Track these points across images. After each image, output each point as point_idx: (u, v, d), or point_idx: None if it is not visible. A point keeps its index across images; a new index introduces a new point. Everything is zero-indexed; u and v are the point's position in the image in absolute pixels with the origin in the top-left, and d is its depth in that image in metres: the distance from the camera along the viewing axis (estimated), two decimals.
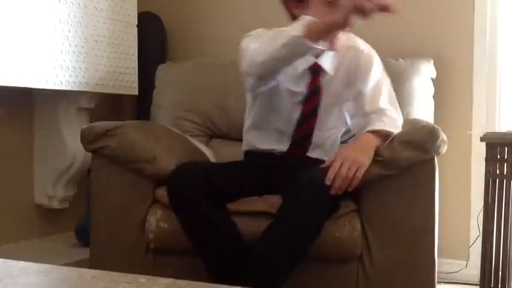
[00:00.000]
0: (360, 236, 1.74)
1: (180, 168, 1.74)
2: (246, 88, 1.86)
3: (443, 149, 1.74)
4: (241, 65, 1.77)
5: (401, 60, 2.33)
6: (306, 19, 1.60)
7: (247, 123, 1.99)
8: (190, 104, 2.43)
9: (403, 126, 1.81)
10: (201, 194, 1.65)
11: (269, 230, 1.61)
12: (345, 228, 1.73)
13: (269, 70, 1.72)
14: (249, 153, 1.99)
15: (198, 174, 1.69)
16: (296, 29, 1.59)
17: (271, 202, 1.75)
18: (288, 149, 1.88)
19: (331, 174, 1.59)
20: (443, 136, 1.72)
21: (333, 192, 1.60)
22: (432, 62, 2.35)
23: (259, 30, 1.83)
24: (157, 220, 1.84)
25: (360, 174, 1.62)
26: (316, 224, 1.61)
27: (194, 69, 2.53)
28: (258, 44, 1.72)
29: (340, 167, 1.60)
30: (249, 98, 1.97)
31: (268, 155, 1.91)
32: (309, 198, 1.59)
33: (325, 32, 1.58)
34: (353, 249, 1.75)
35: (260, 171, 1.85)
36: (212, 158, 2.23)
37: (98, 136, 1.87)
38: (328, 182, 1.59)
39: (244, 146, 2.01)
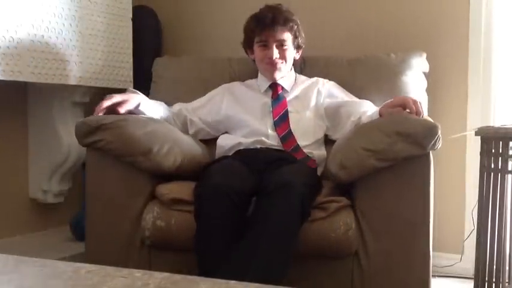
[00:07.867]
0: (355, 234, 1.74)
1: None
2: None
3: (438, 146, 1.73)
4: None
5: (393, 55, 2.34)
6: None
7: None
8: (188, 98, 2.42)
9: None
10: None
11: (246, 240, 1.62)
12: (340, 229, 1.72)
13: None
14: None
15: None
16: None
17: None
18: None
19: (412, 108, 1.80)
20: (439, 134, 1.70)
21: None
22: (425, 56, 2.35)
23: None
24: (154, 218, 1.83)
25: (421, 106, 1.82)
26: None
27: (192, 64, 2.54)
28: None
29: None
30: None
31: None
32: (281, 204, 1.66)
33: None
34: (348, 247, 1.75)
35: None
36: (206, 151, 2.23)
37: (93, 130, 1.87)
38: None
39: None
